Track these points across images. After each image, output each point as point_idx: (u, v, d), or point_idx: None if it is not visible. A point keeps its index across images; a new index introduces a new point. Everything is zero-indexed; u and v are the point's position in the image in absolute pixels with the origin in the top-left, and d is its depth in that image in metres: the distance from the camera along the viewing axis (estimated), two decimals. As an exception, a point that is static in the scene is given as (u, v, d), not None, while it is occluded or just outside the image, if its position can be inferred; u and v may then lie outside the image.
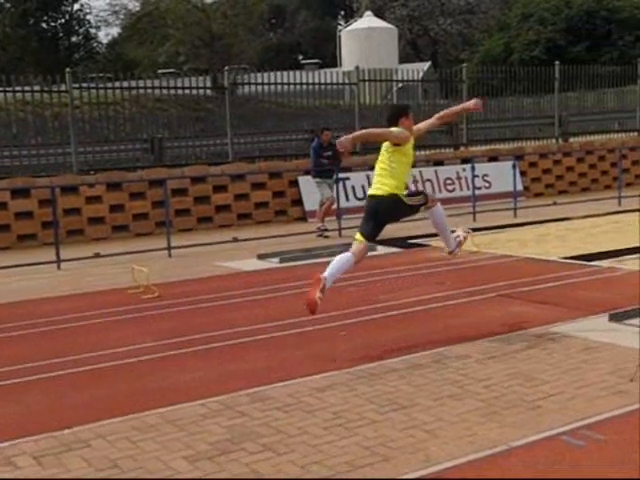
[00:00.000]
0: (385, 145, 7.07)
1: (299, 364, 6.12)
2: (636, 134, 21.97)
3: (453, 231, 7.65)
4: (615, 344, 6.26)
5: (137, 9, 46.75)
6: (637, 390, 5.16)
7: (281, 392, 5.45)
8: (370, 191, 7.13)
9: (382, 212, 7.01)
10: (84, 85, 16.10)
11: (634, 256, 10.19)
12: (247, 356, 6.42)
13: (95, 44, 54.36)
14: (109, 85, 16.68)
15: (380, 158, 7.12)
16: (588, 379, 5.44)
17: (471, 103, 7.68)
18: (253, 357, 6.39)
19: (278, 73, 17.73)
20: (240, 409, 5.17)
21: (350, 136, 6.87)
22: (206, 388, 5.61)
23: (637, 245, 10.83)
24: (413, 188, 7.23)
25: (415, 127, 7.33)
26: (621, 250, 10.63)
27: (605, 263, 9.83)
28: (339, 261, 6.78)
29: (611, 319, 6.98)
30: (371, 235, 7.05)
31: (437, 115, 7.76)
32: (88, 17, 52.41)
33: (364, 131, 7.43)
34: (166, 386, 5.76)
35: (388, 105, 7.61)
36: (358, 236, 7.02)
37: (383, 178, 6.97)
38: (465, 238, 7.68)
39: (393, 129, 7.00)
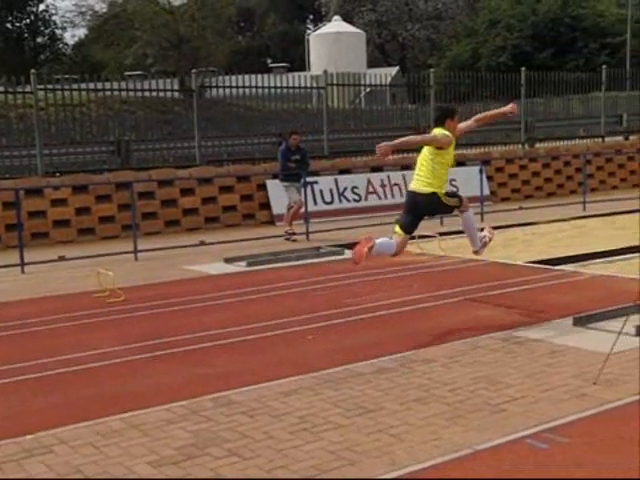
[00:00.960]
0: (428, 146, 7.48)
1: (265, 368, 6.09)
2: (600, 140, 22.24)
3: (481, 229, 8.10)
4: (579, 348, 6.31)
5: (104, 10, 46.42)
6: (600, 393, 5.21)
7: (247, 396, 5.42)
8: (411, 186, 7.58)
9: (421, 208, 7.59)
10: (49, 86, 15.93)
11: (598, 260, 10.32)
12: (213, 360, 6.39)
13: (61, 45, 53.89)
14: (75, 87, 16.52)
15: (422, 156, 7.50)
16: (552, 382, 5.48)
17: (507, 108, 7.99)
18: (219, 361, 6.35)
19: (246, 76, 17.71)
20: (205, 414, 5.13)
21: (392, 143, 7.22)
22: (171, 392, 5.57)
23: (601, 250, 10.99)
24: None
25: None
26: (586, 255, 10.75)
27: (570, 267, 9.93)
28: (385, 240, 7.43)
29: (575, 323, 7.05)
30: (408, 228, 7.59)
31: (475, 117, 8.13)
32: (54, 18, 52.02)
33: (408, 138, 7.69)
34: (131, 390, 5.71)
35: (436, 106, 8.23)
36: (397, 229, 7.57)
37: (425, 177, 7.44)
38: (490, 239, 8.05)
39: (437, 134, 7.39)
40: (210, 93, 18.07)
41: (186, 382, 5.84)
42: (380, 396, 5.35)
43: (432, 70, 20.83)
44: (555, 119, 22.49)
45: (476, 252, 8.13)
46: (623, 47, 39.92)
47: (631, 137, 22.55)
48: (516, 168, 19.32)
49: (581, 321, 7.05)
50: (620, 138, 22.70)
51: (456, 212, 7.86)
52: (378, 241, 7.22)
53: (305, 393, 5.46)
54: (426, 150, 7.49)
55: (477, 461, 4.26)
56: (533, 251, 11.38)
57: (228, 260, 11.35)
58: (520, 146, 20.95)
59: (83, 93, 16.53)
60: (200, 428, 4.88)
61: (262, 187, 15.88)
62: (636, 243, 10.47)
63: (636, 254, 10.17)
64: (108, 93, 16.69)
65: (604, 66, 23.05)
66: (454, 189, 8.05)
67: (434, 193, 7.41)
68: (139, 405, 5.31)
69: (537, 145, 21.26)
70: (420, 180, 7.47)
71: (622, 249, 10.95)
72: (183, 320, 7.87)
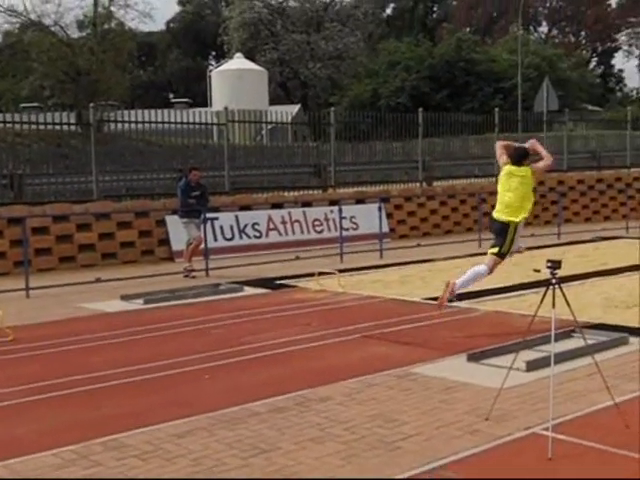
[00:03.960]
0: (528, 176, 8.43)
1: (159, 409, 5.94)
2: (494, 179, 22.94)
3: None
4: (472, 384, 6.42)
5: (-1, 41, 45.24)
6: (491, 429, 5.30)
7: (139, 439, 5.26)
8: (502, 217, 8.54)
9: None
10: (-62, 117, 15.35)
11: (493, 297, 10.58)
12: (104, 402, 6.19)
13: (-48, 74, 52.04)
14: (-34, 118, 15.98)
15: (519, 187, 8.43)
16: (446, 419, 5.55)
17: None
18: (110, 403, 6.16)
19: (147, 111, 17.52)
20: (95, 458, 4.95)
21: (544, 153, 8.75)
22: (59, 437, 5.35)
23: (495, 286, 11.27)
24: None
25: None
26: (480, 291, 10.98)
27: (465, 304, 10.12)
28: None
29: (469, 359, 7.18)
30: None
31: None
32: (-56, 46, 50.18)
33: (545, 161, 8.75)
34: (16, 436, 5.46)
35: (516, 146, 9.09)
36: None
37: (516, 206, 8.43)
38: (448, 301, 8.76)
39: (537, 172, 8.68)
40: (109, 127, 17.78)
41: (76, 425, 5.64)
42: (276, 436, 5.30)
43: (332, 109, 21.13)
44: (453, 158, 23.11)
45: (448, 285, 8.57)
46: (515, 91, 41.51)
47: (523, 177, 23.37)
48: (414, 206, 19.70)
49: (475, 357, 7.19)
50: (513, 178, 23.45)
51: (488, 255, 8.67)
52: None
53: (200, 434, 5.35)
54: (522, 180, 8.40)
55: (371, 500, 4.26)
56: (430, 288, 11.54)
57: (124, 297, 11.09)
58: (418, 184, 21.38)
59: (-25, 125, 15.99)
60: (89, 473, 4.71)
61: (161, 223, 15.66)
62: (528, 280, 10.80)
63: (528, 290, 10.48)
64: (1, 125, 16.19)
65: (497, 109, 23.87)
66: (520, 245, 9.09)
67: (510, 222, 8.41)
68: (24, 451, 5.08)
69: (435, 183, 21.76)
70: (510, 209, 8.41)
71: (515, 285, 11.27)
72: (74, 360, 7.61)
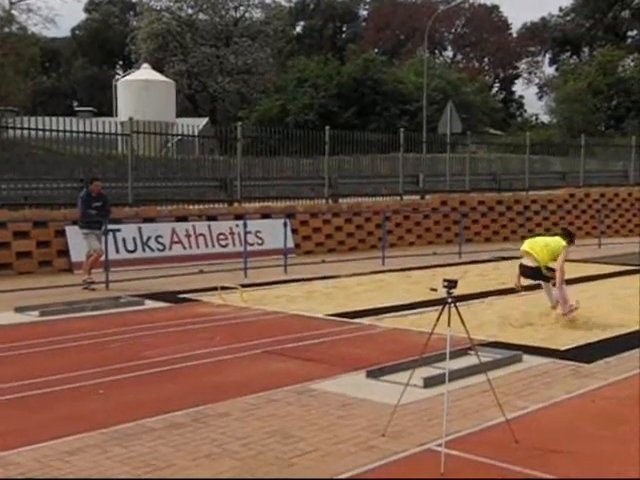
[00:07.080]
0: (560, 244, 9.99)
1: (50, 425, 5.75)
2: (399, 198, 23.31)
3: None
4: (371, 400, 6.47)
5: None
6: (387, 444, 5.35)
7: (26, 457, 5.07)
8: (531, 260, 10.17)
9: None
10: None
11: (393, 314, 10.72)
12: (-7, 418, 5.95)
13: None
14: None
15: (552, 243, 10.09)
16: (343, 435, 5.56)
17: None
18: (-1, 419, 5.93)
19: (48, 118, 17.06)
20: (-21, 477, 4.75)
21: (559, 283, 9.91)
22: (-58, 455, 5.12)
23: (396, 304, 11.43)
24: None
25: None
26: (382, 308, 11.13)
27: (367, 320, 10.22)
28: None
29: (368, 375, 7.24)
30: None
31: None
32: None
33: (560, 274, 9.91)
34: None
35: (567, 230, 11.19)
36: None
37: (543, 250, 10.04)
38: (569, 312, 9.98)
39: (565, 249, 9.96)
40: (7, 134, 17.21)
41: (-40, 442, 5.40)
42: (171, 452, 5.20)
43: (240, 124, 21.05)
44: (360, 176, 23.36)
45: (565, 315, 9.89)
46: (421, 112, 42.38)
47: (427, 196, 23.83)
48: (320, 222, 19.81)
49: (374, 374, 7.25)
50: (417, 197, 23.92)
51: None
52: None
53: (91, 451, 5.20)
54: (546, 245, 10.00)
55: (265, 518, 4.22)
56: (333, 304, 11.62)
57: (19, 309, 10.72)
58: (324, 201, 21.51)
59: None
60: (-28, 493, 4.51)
61: (61, 233, 15.24)
62: (427, 298, 10.99)
63: (428, 308, 10.65)
64: None
65: (402, 129, 24.30)
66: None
67: (538, 265, 10.00)
68: None
69: (341, 201, 21.93)
70: (538, 250, 10.01)
71: (415, 303, 11.45)
72: (-38, 374, 7.30)
